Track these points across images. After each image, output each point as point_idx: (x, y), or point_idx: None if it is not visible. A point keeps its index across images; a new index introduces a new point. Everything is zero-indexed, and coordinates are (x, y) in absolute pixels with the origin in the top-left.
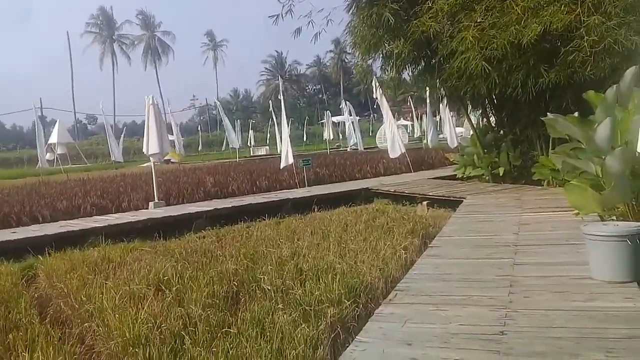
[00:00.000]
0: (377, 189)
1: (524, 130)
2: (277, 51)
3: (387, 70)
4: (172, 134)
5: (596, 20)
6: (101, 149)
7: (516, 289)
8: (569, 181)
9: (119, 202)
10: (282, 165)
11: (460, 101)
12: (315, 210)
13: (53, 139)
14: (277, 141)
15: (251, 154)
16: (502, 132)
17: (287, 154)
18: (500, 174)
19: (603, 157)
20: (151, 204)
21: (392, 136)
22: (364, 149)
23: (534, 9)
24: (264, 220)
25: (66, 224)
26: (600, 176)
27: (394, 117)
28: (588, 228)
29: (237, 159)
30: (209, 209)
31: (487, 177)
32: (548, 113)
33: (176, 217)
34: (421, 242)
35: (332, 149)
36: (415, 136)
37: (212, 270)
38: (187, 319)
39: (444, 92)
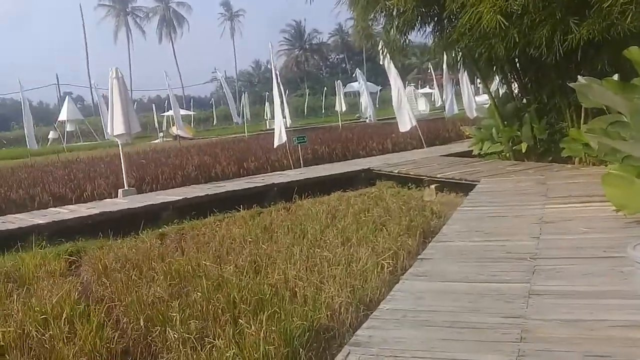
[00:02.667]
0: (380, 170)
1: (551, 98)
2: (295, 20)
3: (389, 32)
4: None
5: None
6: None
7: (529, 345)
8: (606, 162)
9: (81, 191)
10: (275, 144)
11: (475, 65)
12: (305, 197)
13: (62, 116)
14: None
15: (267, 127)
16: (525, 100)
17: (280, 131)
18: (523, 150)
19: None
20: (120, 191)
21: (401, 107)
22: (378, 120)
23: None
24: (244, 210)
25: (5, 219)
26: None
27: (418, 84)
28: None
29: (246, 134)
30: (177, 198)
31: (507, 154)
32: (579, 77)
33: (136, 210)
34: (419, 242)
35: (351, 120)
36: (437, 105)
37: (123, 299)
38: None
39: (454, 56)
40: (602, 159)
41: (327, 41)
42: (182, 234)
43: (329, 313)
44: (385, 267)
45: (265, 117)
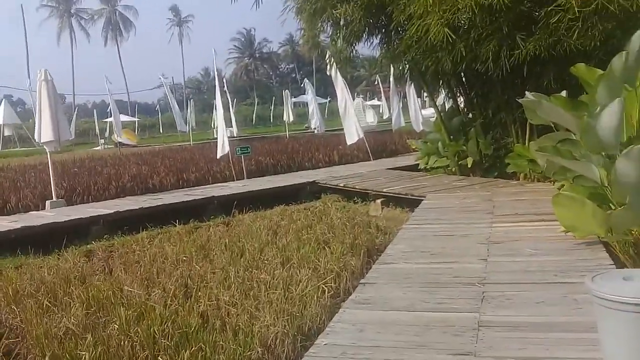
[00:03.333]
0: (325, 183)
1: (497, 113)
2: (245, 28)
3: (336, 42)
4: (128, 115)
5: None
6: None
7: None
8: (550, 178)
9: (4, 202)
10: (218, 154)
11: (422, 78)
12: (247, 211)
13: None
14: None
15: (214, 136)
16: (471, 115)
17: (223, 141)
18: (469, 165)
19: (607, 156)
20: (48, 203)
21: (347, 119)
22: (326, 131)
23: None
24: (180, 225)
25: None
26: (606, 185)
27: (366, 96)
28: (598, 285)
29: (191, 143)
30: (108, 211)
31: (453, 169)
32: (527, 93)
33: (62, 225)
34: (363, 261)
35: (299, 130)
36: (385, 117)
37: (31, 330)
38: None
39: (400, 68)
40: (549, 176)
41: (277, 50)
42: (111, 252)
43: (261, 349)
44: (327, 292)
45: (213, 126)
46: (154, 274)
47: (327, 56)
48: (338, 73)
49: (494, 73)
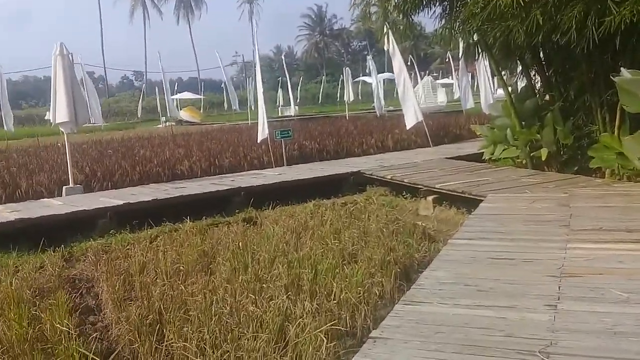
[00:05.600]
0: (371, 174)
1: (580, 96)
2: (316, 4)
3: (389, 10)
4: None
5: None
6: (129, 107)
7: None
8: None
9: (15, 187)
10: (259, 138)
11: (489, 53)
12: (278, 204)
13: None
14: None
15: (279, 115)
16: (547, 97)
17: (263, 124)
18: (543, 158)
19: None
20: (64, 189)
21: (406, 100)
22: (389, 112)
23: None
24: (196, 221)
25: None
26: None
27: (439, 75)
28: None
29: (249, 122)
30: (118, 203)
31: (523, 161)
32: (622, 69)
33: (63, 217)
34: (393, 286)
35: (365, 110)
36: (456, 97)
37: None
38: None
39: (464, 42)
40: None
41: (349, 27)
42: (105, 253)
43: None
44: (329, 340)
45: (277, 104)
46: (131, 292)
47: (384, 29)
48: (396, 48)
49: (578, 46)
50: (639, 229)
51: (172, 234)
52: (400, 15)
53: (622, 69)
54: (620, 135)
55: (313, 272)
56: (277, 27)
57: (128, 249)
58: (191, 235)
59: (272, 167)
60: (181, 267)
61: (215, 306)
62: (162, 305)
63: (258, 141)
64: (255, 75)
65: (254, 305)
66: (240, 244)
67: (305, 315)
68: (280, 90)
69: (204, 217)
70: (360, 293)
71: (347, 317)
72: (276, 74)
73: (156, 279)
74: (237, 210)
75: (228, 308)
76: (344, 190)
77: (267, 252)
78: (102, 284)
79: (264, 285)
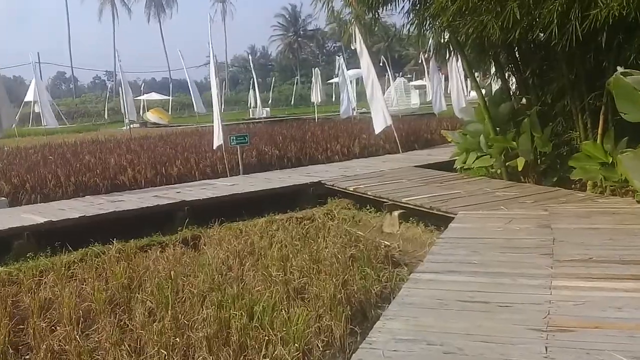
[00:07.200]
0: (333, 185)
1: (559, 99)
2: (290, 4)
3: (354, 7)
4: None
5: None
6: (95, 108)
7: None
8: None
9: None
10: (215, 145)
11: (461, 51)
12: (226, 220)
13: (29, 96)
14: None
15: (250, 117)
16: (524, 101)
17: (218, 130)
18: (519, 168)
19: None
20: None
21: (374, 103)
22: (361, 113)
23: None
24: (129, 241)
25: None
26: None
27: (413, 76)
28: None
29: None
30: (39, 221)
31: (498, 171)
32: (619, 68)
33: None
34: (344, 331)
35: (335, 113)
36: (429, 99)
37: None
38: None
39: (433, 40)
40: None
41: (324, 28)
42: (7, 286)
43: None
44: None
45: (248, 105)
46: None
47: (350, 28)
48: (364, 46)
49: (559, 44)
50: (635, 259)
51: (95, 260)
52: (366, 10)
53: (618, 67)
54: (604, 143)
55: (247, 315)
56: (252, 27)
57: (40, 278)
58: (115, 262)
59: (227, 177)
60: (92, 306)
61: None
62: None
63: (214, 147)
64: (211, 77)
65: None
66: (171, 273)
67: None
68: (251, 92)
69: (139, 237)
70: (300, 346)
71: None
72: (250, 74)
73: (57, 323)
74: (179, 228)
75: None
76: (302, 203)
77: (199, 285)
78: None
79: (184, 334)
